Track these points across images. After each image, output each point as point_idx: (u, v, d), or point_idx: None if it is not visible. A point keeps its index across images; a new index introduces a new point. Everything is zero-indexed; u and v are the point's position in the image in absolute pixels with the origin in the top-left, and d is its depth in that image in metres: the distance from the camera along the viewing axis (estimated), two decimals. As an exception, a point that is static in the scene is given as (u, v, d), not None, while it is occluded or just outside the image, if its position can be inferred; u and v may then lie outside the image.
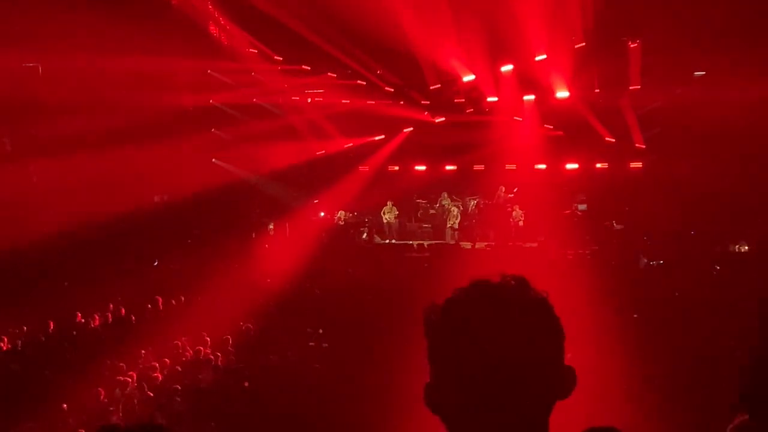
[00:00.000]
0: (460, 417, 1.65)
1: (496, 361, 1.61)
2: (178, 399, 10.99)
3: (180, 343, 13.21)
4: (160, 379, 11.72)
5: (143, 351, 12.91)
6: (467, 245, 21.15)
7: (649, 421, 8.90)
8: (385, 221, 22.69)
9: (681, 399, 9.88)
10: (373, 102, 22.80)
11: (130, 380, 11.47)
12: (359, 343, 12.68)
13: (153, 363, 12.24)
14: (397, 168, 24.24)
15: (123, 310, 15.05)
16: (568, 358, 1.69)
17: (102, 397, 10.90)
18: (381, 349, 11.85)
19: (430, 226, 22.81)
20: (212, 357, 12.63)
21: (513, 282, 1.69)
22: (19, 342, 13.52)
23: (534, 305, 1.67)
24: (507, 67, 20.89)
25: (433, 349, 1.68)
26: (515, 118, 22.46)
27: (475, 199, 22.88)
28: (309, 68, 21.22)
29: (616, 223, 21.41)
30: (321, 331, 14.19)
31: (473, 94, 21.95)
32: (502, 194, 22.57)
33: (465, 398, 1.62)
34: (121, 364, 11.94)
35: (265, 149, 21.60)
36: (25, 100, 16.11)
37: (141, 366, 12.28)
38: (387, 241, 22.53)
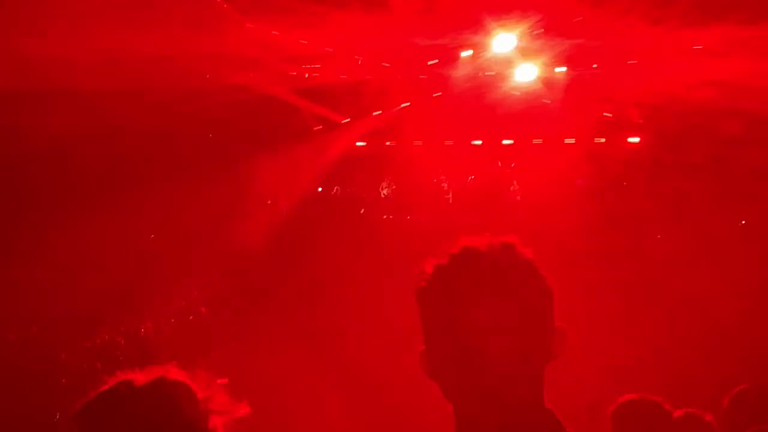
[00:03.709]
0: (455, 381, 1.67)
1: (486, 324, 1.63)
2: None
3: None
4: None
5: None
6: (465, 220, 21.15)
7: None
8: (382, 196, 22.69)
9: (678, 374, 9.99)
10: (370, 77, 22.65)
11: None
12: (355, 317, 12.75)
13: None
14: (394, 143, 24.17)
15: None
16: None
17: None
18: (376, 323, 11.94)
19: (427, 200, 22.80)
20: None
21: (499, 245, 1.71)
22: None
23: (520, 266, 1.70)
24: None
25: (424, 316, 1.71)
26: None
27: (472, 175, 22.86)
28: (306, 41, 21.08)
29: (614, 198, 21.42)
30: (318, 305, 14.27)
31: None
32: (499, 169, 22.55)
33: (458, 363, 1.65)
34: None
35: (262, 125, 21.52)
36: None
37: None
38: (384, 216, 22.55)
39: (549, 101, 22.66)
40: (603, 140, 22.02)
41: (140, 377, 2.24)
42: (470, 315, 1.63)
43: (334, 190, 23.35)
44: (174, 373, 2.28)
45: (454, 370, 1.66)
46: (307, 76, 23.39)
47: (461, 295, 1.65)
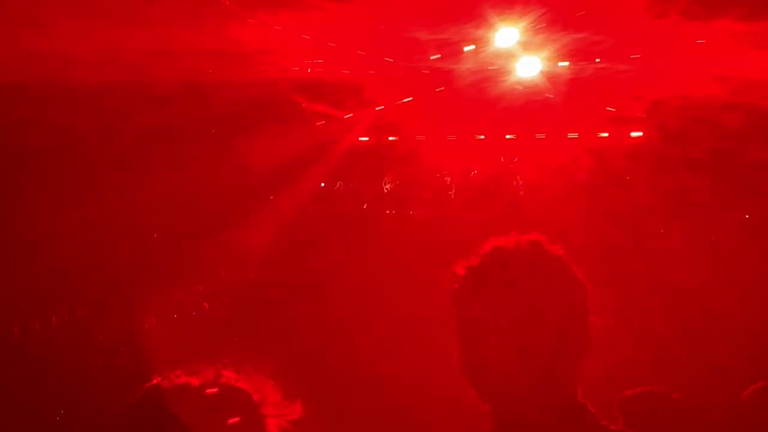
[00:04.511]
0: (493, 381, 1.66)
1: (523, 323, 1.62)
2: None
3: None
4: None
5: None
6: (467, 215, 21.16)
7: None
8: (385, 191, 22.69)
9: (681, 369, 9.98)
10: (373, 72, 22.64)
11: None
12: (360, 312, 12.76)
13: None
14: (396, 138, 24.15)
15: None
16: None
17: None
18: (381, 318, 11.94)
19: (430, 195, 22.81)
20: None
21: (527, 243, 1.70)
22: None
23: (551, 263, 1.68)
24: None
25: (459, 317, 1.70)
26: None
27: (475, 170, 22.86)
28: (308, 36, 21.05)
29: (617, 193, 21.40)
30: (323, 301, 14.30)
31: None
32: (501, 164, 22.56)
33: (496, 362, 1.64)
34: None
35: (266, 120, 21.51)
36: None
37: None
38: (387, 211, 22.55)
39: (552, 96, 22.66)
40: (606, 135, 21.99)
41: (194, 380, 2.18)
42: (505, 314, 1.62)
43: (338, 185, 23.37)
44: (228, 375, 2.23)
45: (492, 369, 1.65)
46: (309, 71, 23.41)
47: (494, 295, 1.65)
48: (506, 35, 21.53)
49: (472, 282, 1.64)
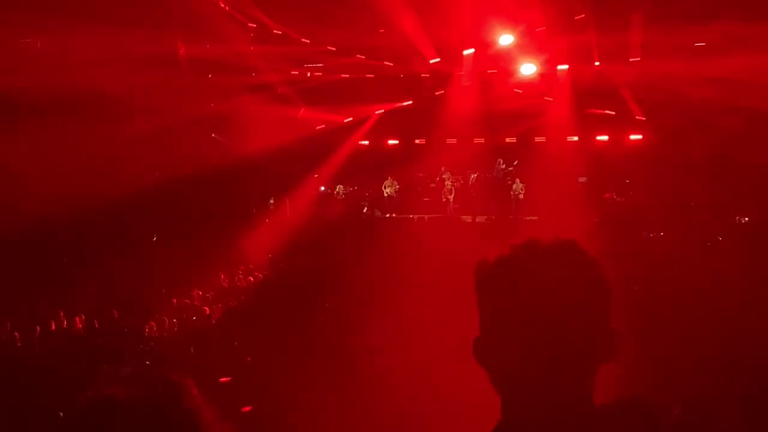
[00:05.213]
0: (507, 372, 1.67)
1: (545, 318, 1.63)
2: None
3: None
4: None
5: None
6: (467, 218, 21.19)
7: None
8: (385, 195, 22.71)
9: (680, 371, 9.98)
10: (372, 75, 22.74)
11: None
12: (365, 315, 12.75)
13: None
14: (397, 142, 24.20)
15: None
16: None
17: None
18: (385, 321, 11.94)
19: (430, 199, 22.83)
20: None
21: (563, 242, 1.70)
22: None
23: (584, 265, 1.69)
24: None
25: (483, 304, 1.70)
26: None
27: (474, 173, 22.89)
28: (308, 41, 21.14)
29: (617, 196, 21.47)
30: (327, 305, 14.31)
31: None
32: (502, 167, 22.59)
33: (512, 353, 1.65)
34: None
35: (265, 124, 21.54)
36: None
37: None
38: (387, 215, 22.56)
39: (551, 99, 22.69)
40: (605, 138, 22.06)
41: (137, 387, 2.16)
42: (529, 307, 1.63)
43: (337, 189, 23.41)
44: (175, 375, 2.22)
45: (508, 360, 1.66)
46: (309, 75, 23.46)
47: (523, 286, 1.65)
48: (506, 38, 21.60)
49: (500, 271, 1.65)
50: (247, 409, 9.91)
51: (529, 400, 1.66)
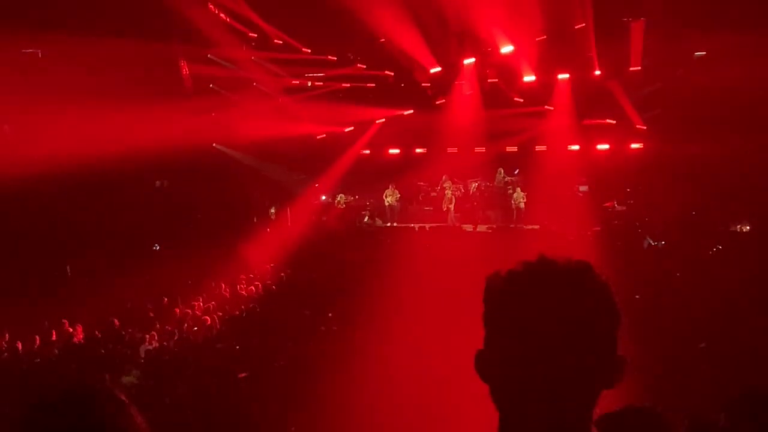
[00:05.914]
0: (507, 388, 1.65)
1: (552, 340, 1.61)
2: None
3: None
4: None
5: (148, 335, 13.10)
6: (469, 228, 21.17)
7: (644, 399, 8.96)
8: (386, 204, 22.70)
9: (677, 380, 9.96)
10: (373, 85, 22.80)
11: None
12: (368, 326, 12.72)
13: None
14: (398, 151, 24.19)
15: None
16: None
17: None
18: (387, 331, 11.93)
19: (431, 208, 22.82)
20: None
21: (576, 263, 1.68)
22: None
23: (596, 290, 1.66)
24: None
25: (489, 317, 1.68)
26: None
27: (475, 182, 22.89)
28: (309, 50, 21.22)
29: (618, 204, 21.46)
30: (330, 314, 14.27)
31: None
32: (502, 176, 22.61)
33: (514, 371, 1.63)
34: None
35: (266, 133, 21.56)
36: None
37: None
38: (388, 224, 22.54)
39: (552, 108, 22.72)
40: (606, 147, 22.06)
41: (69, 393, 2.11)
42: (536, 325, 1.61)
43: (337, 198, 23.41)
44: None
45: (510, 375, 1.64)
46: (310, 84, 23.52)
47: (532, 304, 1.63)
48: (506, 48, 21.65)
49: (511, 287, 1.63)
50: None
51: (526, 419, 1.64)
